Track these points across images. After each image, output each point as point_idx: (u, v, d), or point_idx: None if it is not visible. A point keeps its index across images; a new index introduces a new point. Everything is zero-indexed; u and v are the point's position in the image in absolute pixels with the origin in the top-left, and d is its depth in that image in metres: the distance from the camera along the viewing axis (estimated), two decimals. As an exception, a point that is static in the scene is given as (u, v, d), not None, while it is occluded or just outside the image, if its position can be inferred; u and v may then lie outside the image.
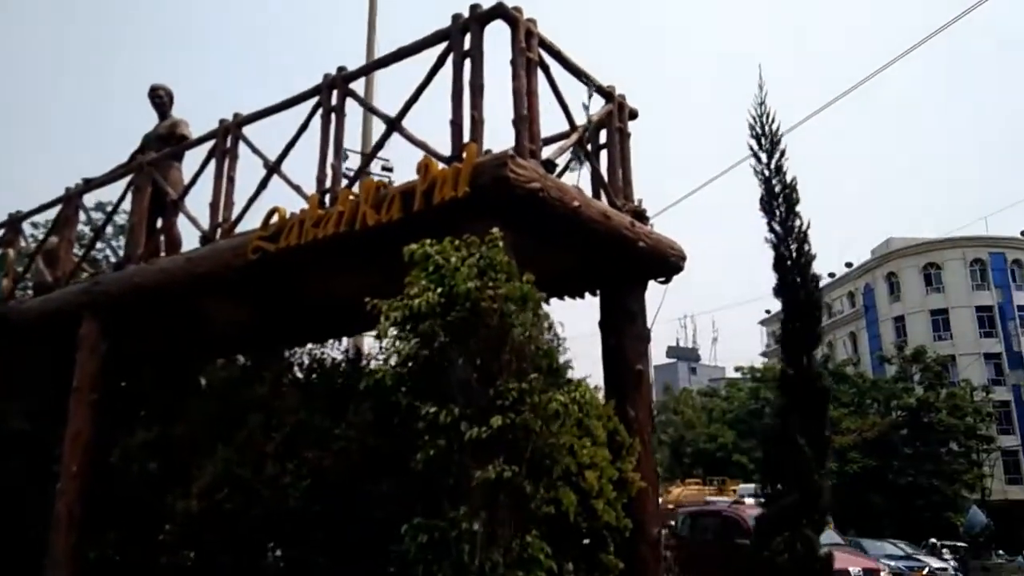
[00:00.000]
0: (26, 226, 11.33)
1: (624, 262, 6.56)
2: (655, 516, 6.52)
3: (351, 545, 5.73)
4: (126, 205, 9.32)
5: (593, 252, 6.32)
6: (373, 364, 6.83)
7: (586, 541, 5.13)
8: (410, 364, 3.58)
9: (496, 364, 3.57)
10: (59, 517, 7.95)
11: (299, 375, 6.93)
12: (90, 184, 9.63)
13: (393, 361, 3.67)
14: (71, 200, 9.67)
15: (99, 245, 12.45)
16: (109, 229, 14.90)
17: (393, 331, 3.52)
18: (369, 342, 7.80)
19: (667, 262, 6.85)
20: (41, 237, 10.95)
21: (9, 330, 9.53)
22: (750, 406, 41.16)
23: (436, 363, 3.53)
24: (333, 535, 5.80)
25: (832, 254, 70.93)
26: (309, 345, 7.93)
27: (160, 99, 9.85)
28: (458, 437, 3.50)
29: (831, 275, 57.45)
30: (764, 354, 61.07)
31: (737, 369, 47.10)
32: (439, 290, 3.58)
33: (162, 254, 8.94)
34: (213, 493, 6.72)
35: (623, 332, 6.55)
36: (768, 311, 62.49)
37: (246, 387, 7.65)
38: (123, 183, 9.13)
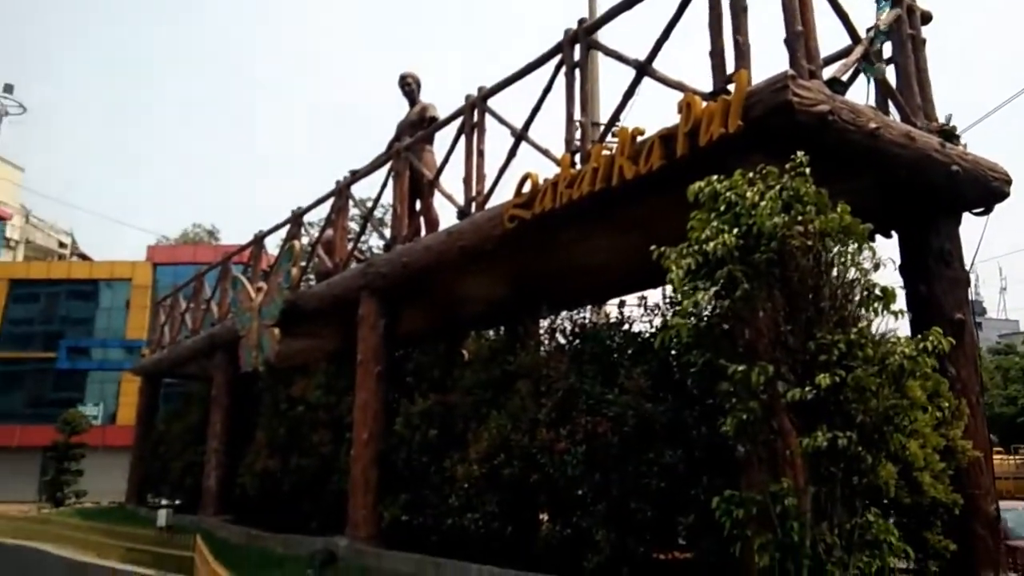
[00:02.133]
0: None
1: (932, 192, 5.52)
2: (989, 491, 5.46)
3: (632, 517, 5.46)
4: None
5: (893, 184, 5.37)
6: (652, 323, 6.52)
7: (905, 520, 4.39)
8: (706, 318, 3.14)
9: (813, 312, 3.01)
10: (355, 481, 8.71)
11: (562, 341, 6.79)
12: (356, 175, 10.36)
13: (673, 320, 3.24)
14: (342, 192, 10.51)
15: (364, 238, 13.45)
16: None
17: (682, 282, 3.08)
18: (611, 311, 7.48)
19: (987, 188, 5.66)
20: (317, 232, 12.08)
21: (300, 314, 10.64)
22: (1055, 362, 34.84)
23: (738, 315, 3.05)
24: (614, 506, 5.58)
25: None
26: (564, 313, 7.81)
27: (409, 86, 10.33)
28: (773, 400, 3.00)
29: None
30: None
31: (1036, 321, 40.02)
32: (735, 231, 3.09)
33: (422, 234, 9.39)
34: (491, 458, 6.87)
35: (935, 276, 5.54)
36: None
37: (510, 355, 7.74)
38: (383, 172, 9.69)
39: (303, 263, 11.21)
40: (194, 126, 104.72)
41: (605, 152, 5.90)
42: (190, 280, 16.12)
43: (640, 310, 6.85)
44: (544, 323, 7.46)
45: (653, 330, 6.60)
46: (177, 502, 13.80)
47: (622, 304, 6.80)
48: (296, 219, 11.65)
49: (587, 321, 6.72)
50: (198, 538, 8.82)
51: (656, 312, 6.50)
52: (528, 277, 8.18)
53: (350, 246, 10.64)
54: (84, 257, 41.95)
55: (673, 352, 5.16)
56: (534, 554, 6.55)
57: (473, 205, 7.94)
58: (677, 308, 3.22)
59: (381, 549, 8.06)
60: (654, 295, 7.36)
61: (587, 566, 5.66)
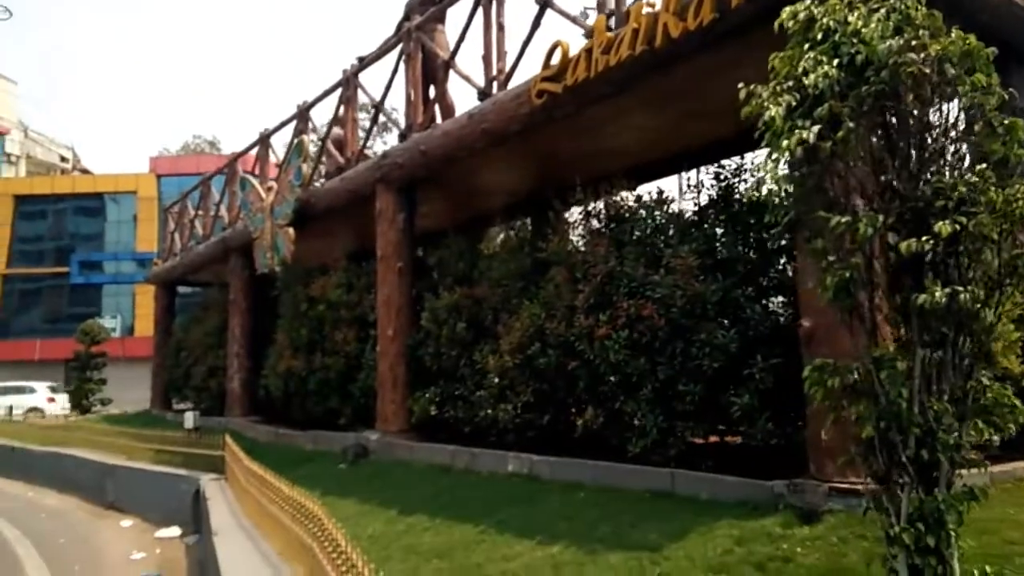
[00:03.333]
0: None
1: (1008, 42, 4.97)
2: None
3: (680, 399, 5.25)
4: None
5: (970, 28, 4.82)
6: (696, 201, 6.09)
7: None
8: (799, 164, 2.75)
9: (928, 152, 2.61)
10: (383, 377, 8.57)
11: (596, 225, 6.41)
12: (364, 61, 9.74)
13: (768, 166, 2.84)
14: (349, 81, 9.90)
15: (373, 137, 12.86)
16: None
17: (783, 121, 2.66)
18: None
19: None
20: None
21: (313, 212, 10.27)
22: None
23: (840, 158, 2.65)
24: (660, 390, 5.36)
25: None
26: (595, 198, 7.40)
27: (417, -40, 9.54)
28: (876, 255, 2.65)
29: None
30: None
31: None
32: (836, 61, 2.65)
33: (438, 121, 8.86)
34: (525, 349, 6.65)
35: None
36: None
37: (540, 244, 7.41)
38: (392, 60, 9.05)
39: (313, 162, 10.74)
40: (182, 30, 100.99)
41: (647, 10, 5.34)
42: (196, 185, 15.69)
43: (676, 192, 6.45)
44: (575, 210, 7.06)
45: (696, 208, 6.23)
46: (202, 406, 13.87)
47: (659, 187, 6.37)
48: (302, 113, 11.08)
49: (624, 204, 6.31)
50: (227, 437, 8.78)
51: (699, 189, 6.09)
52: (555, 161, 7.72)
53: (362, 140, 10.10)
54: (86, 172, 41.30)
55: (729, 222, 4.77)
56: (573, 442, 6.42)
57: (494, 85, 7.40)
58: (769, 157, 2.81)
59: (413, 442, 8.00)
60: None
61: (632, 451, 5.51)
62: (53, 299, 35.59)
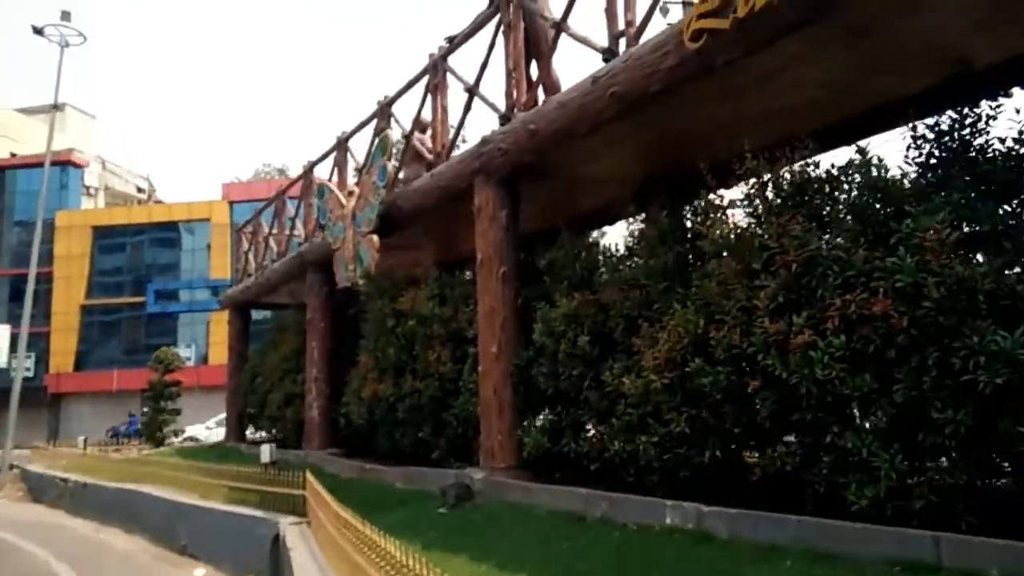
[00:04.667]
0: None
1: None
2: None
3: (933, 430, 3.74)
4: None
5: None
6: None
7: None
8: None
9: None
10: (486, 403, 7.26)
11: (774, 200, 4.93)
12: (453, 41, 8.57)
13: None
14: (437, 66, 8.75)
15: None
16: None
17: None
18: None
19: None
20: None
21: (400, 217, 9.12)
22: None
23: None
24: (900, 417, 3.85)
25: None
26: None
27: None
28: None
29: None
30: None
31: None
32: None
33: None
34: (677, 365, 5.22)
35: None
36: None
37: (684, 234, 6.01)
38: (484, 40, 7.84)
39: (398, 161, 9.63)
40: (242, 63, 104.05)
41: None
42: (271, 200, 14.88)
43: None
44: (730, 190, 5.63)
45: (922, 167, 4.69)
46: (278, 436, 12.87)
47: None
48: (383, 110, 10.00)
49: (813, 171, 4.83)
50: (308, 475, 7.61)
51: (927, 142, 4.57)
52: (696, 131, 6.30)
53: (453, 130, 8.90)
54: (160, 203, 42.03)
55: None
56: (745, 487, 4.93)
57: (620, 43, 6.08)
58: None
59: (528, 482, 6.62)
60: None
61: (856, 502, 4.00)
62: (130, 329, 35.94)
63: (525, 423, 6.96)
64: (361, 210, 9.53)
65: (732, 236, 5.03)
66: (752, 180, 5.04)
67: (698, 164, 5.70)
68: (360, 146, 11.05)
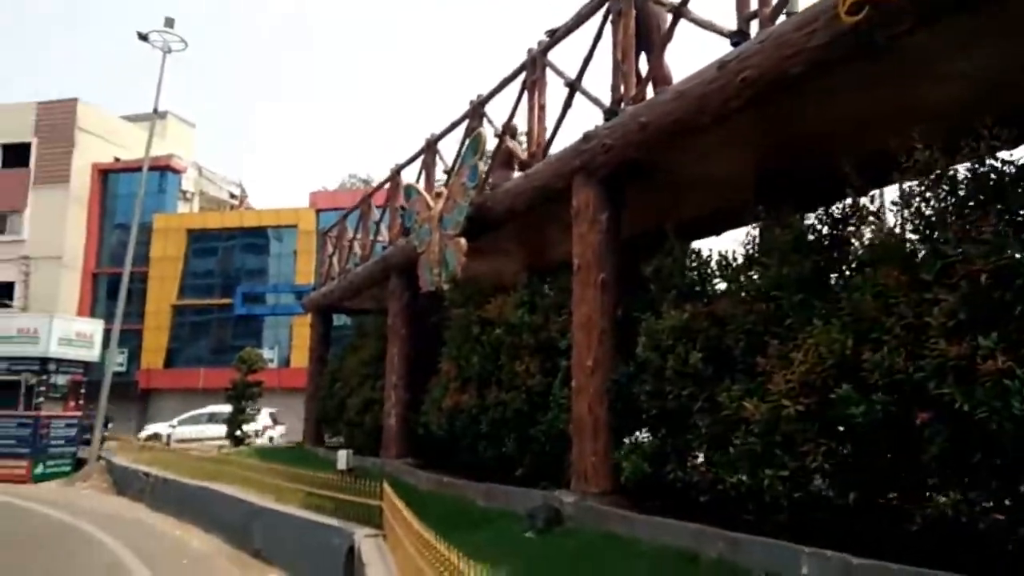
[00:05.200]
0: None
1: None
2: None
3: None
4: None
5: None
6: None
7: None
8: None
9: None
10: (580, 420, 6.67)
11: (946, 199, 4.17)
12: (555, 35, 8.07)
13: None
14: (536, 62, 8.28)
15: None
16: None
17: None
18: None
19: None
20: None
21: (489, 219, 8.66)
22: None
23: None
24: None
25: None
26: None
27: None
28: None
29: None
30: None
31: None
32: None
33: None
34: (818, 390, 4.49)
35: None
36: None
37: (817, 243, 5.28)
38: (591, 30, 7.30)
39: (489, 160, 9.19)
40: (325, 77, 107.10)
41: None
42: (357, 204, 14.74)
43: None
44: (885, 190, 4.87)
45: None
46: (355, 442, 12.59)
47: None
48: (475, 109, 9.59)
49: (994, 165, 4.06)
50: (386, 486, 7.18)
51: None
52: (836, 126, 5.58)
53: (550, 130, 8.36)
54: (251, 208, 43.35)
55: None
56: (897, 535, 4.16)
57: (754, 24, 5.43)
58: None
59: (628, 511, 5.97)
60: None
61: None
62: (218, 330, 36.93)
63: (624, 445, 6.34)
64: (448, 212, 9.12)
65: (894, 241, 4.28)
66: (921, 177, 4.28)
67: (835, 162, 5.00)
68: (449, 149, 10.70)
